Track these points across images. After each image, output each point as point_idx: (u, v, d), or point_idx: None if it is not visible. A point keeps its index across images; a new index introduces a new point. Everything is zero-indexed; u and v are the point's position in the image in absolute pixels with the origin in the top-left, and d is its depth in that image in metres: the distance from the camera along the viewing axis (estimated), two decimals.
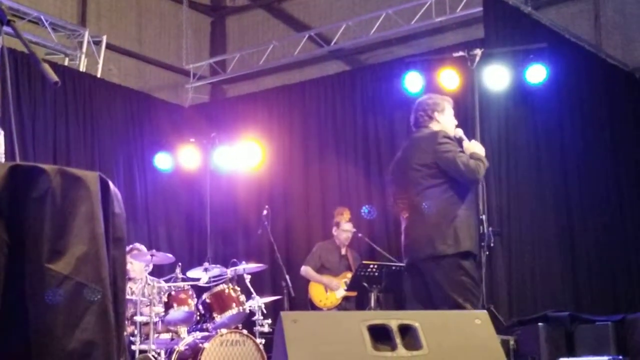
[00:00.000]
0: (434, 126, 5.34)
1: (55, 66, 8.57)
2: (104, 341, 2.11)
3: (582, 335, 7.31)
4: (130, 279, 7.28)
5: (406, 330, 3.10)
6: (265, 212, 8.18)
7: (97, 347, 2.10)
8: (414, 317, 3.13)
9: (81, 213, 2.17)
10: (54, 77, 2.49)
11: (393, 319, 3.11)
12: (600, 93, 9.53)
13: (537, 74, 7.85)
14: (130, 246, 7.55)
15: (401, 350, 3.02)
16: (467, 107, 7.90)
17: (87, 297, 2.11)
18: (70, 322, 2.12)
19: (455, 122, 5.43)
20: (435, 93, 8.29)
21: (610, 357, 6.76)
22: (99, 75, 9.79)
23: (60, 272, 2.12)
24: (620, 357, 6.86)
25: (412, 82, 8.24)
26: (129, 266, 7.42)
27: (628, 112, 10.05)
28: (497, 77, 7.73)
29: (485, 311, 3.26)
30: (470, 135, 7.48)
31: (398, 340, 3.03)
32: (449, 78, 8.11)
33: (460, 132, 5.34)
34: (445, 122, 5.36)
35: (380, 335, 3.09)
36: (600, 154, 9.47)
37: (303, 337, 3.03)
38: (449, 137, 5.20)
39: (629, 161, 9.84)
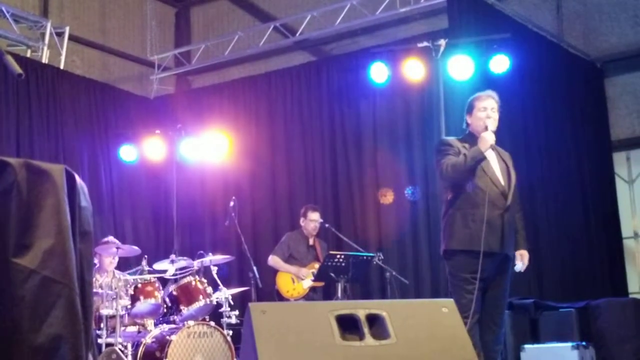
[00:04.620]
0: (468, 129, 5.38)
1: (17, 58, 8.46)
2: (71, 335, 2.09)
3: (546, 322, 7.43)
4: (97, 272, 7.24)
5: (374, 320, 3.13)
6: (232, 203, 8.16)
7: (65, 341, 2.08)
8: (382, 307, 3.16)
9: (47, 206, 2.15)
10: (17, 69, 2.45)
11: (361, 309, 3.14)
12: (562, 82, 9.63)
13: (500, 63, 7.92)
14: (105, 239, 7.52)
15: (369, 340, 3.05)
16: (432, 97, 7.95)
17: (54, 291, 2.09)
18: (37, 316, 2.09)
19: (484, 116, 5.25)
20: (401, 83, 8.44)
21: (574, 344, 6.86)
22: (62, 67, 9.68)
23: (26, 266, 2.09)
24: (584, 343, 6.97)
25: (378, 72, 8.28)
26: (97, 259, 7.39)
27: (589, 101, 10.19)
28: (461, 67, 7.78)
29: (452, 300, 3.28)
30: (436, 125, 7.59)
31: (366, 329, 3.06)
32: (414, 68, 8.17)
33: (491, 126, 5.21)
34: (474, 122, 5.32)
35: (348, 325, 3.11)
36: (563, 142, 9.58)
37: (271, 328, 3.04)
38: (446, 144, 5.29)
39: (591, 150, 9.98)
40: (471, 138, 5.27)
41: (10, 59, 2.50)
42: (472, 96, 5.53)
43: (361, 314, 3.11)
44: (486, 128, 5.15)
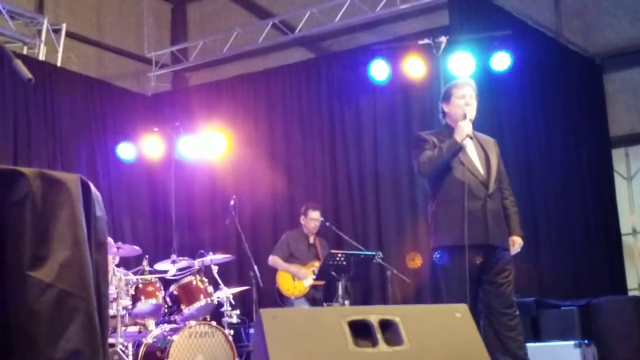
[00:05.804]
0: (445, 120, 5.22)
1: (15, 54, 8.37)
2: (90, 350, 2.04)
3: (548, 321, 7.42)
4: None
5: (387, 326, 3.08)
6: (232, 202, 8.13)
7: (84, 356, 2.03)
8: (394, 312, 3.12)
9: (63, 217, 2.09)
10: (27, 74, 2.40)
11: (373, 314, 3.10)
12: (561, 79, 9.62)
13: (501, 61, 7.89)
14: None
15: (382, 346, 3.01)
16: (433, 95, 7.89)
17: (72, 305, 2.04)
18: (54, 331, 2.03)
19: (462, 103, 5.06)
20: (401, 81, 8.40)
21: (577, 342, 6.85)
22: (58, 64, 9.60)
23: (42, 280, 2.04)
24: (586, 341, 6.96)
25: (378, 69, 8.24)
26: None
27: (588, 98, 10.17)
28: (462, 65, 7.73)
29: (465, 305, 3.25)
30: (436, 123, 7.53)
31: (379, 335, 3.02)
32: (415, 66, 8.13)
33: (469, 114, 5.02)
34: (451, 110, 5.13)
35: (360, 330, 3.07)
36: (562, 139, 9.57)
37: (283, 334, 3.00)
38: (420, 139, 5.14)
39: (589, 146, 9.96)
40: (447, 129, 5.10)
41: (19, 63, 2.45)
42: (447, 84, 5.39)
43: (374, 319, 3.07)
44: (465, 116, 4.97)
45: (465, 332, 3.12)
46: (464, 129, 4.92)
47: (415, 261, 8.20)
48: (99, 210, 2.25)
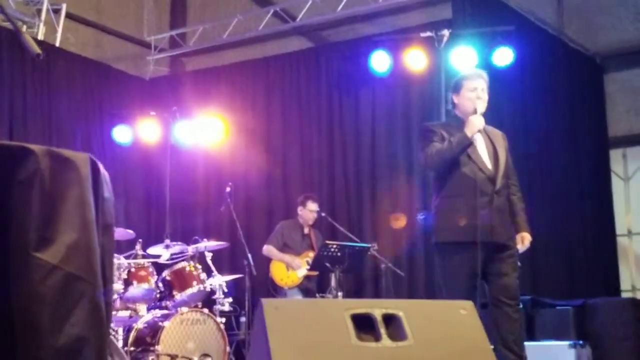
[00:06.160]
0: (454, 111, 5.09)
1: (13, 34, 8.29)
2: (95, 337, 1.97)
3: (543, 320, 7.38)
4: None
5: (390, 320, 3.02)
6: (228, 189, 8.05)
7: (89, 343, 1.96)
8: (398, 306, 3.06)
9: (71, 198, 2.02)
10: (36, 49, 2.34)
11: (377, 308, 3.03)
12: (562, 77, 9.59)
13: (504, 56, 7.84)
14: None
15: (386, 341, 2.94)
16: (433, 88, 7.83)
17: (78, 289, 1.97)
18: (59, 316, 1.95)
19: (473, 96, 4.92)
20: (402, 73, 8.34)
21: (571, 342, 6.82)
22: (57, 45, 9.50)
23: (48, 262, 1.96)
24: (581, 341, 6.93)
25: (379, 61, 8.19)
26: None
27: (588, 97, 10.15)
28: (464, 59, 7.68)
29: (470, 301, 3.19)
30: (436, 117, 7.48)
31: (382, 330, 2.96)
32: (416, 58, 8.08)
33: (480, 108, 4.89)
34: (461, 102, 4.98)
35: (363, 324, 3.01)
36: (561, 138, 9.53)
37: (285, 325, 2.93)
38: (429, 131, 5.00)
39: (588, 146, 9.94)
40: (456, 121, 4.97)
41: (28, 38, 2.38)
42: (459, 75, 5.30)
43: (377, 313, 3.00)
44: (475, 111, 4.84)
45: (470, 329, 3.06)
46: (476, 124, 4.79)
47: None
48: (107, 192, 2.18)
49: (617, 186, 10.44)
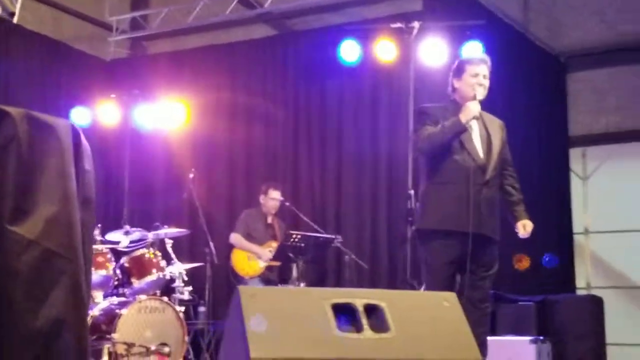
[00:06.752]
0: (453, 95, 4.96)
1: None
2: (75, 320, 1.81)
3: (504, 315, 7.36)
4: None
5: (372, 311, 2.92)
6: (191, 175, 7.89)
7: (68, 327, 1.79)
8: (380, 297, 2.96)
9: (51, 167, 1.86)
10: (11, 8, 2.16)
11: (358, 298, 2.93)
12: (526, 74, 9.59)
13: (473, 50, 7.78)
14: None
15: (367, 332, 2.84)
16: (402, 80, 7.75)
17: (57, 267, 1.80)
18: (35, 296, 1.78)
19: (474, 82, 4.83)
20: (370, 64, 8.24)
21: (532, 338, 6.81)
22: (15, 21, 9.17)
23: (24, 236, 1.79)
24: (542, 337, 6.93)
25: (349, 50, 8.09)
26: None
27: (551, 95, 10.17)
28: (434, 52, 7.64)
29: (453, 293, 3.10)
30: (404, 109, 7.39)
31: (364, 321, 2.85)
32: (386, 49, 7.99)
33: (479, 95, 4.82)
34: (462, 87, 4.87)
35: (343, 314, 2.90)
36: (523, 135, 9.52)
37: (262, 314, 2.80)
38: (423, 113, 4.90)
39: (549, 144, 9.96)
40: (453, 105, 4.85)
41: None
42: (462, 58, 5.19)
43: (359, 303, 2.90)
44: (474, 97, 4.74)
45: (452, 321, 2.98)
46: (472, 110, 4.69)
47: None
48: (88, 164, 2.03)
49: (575, 185, 10.48)
